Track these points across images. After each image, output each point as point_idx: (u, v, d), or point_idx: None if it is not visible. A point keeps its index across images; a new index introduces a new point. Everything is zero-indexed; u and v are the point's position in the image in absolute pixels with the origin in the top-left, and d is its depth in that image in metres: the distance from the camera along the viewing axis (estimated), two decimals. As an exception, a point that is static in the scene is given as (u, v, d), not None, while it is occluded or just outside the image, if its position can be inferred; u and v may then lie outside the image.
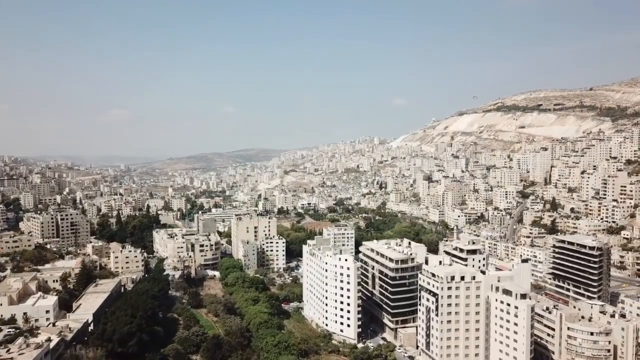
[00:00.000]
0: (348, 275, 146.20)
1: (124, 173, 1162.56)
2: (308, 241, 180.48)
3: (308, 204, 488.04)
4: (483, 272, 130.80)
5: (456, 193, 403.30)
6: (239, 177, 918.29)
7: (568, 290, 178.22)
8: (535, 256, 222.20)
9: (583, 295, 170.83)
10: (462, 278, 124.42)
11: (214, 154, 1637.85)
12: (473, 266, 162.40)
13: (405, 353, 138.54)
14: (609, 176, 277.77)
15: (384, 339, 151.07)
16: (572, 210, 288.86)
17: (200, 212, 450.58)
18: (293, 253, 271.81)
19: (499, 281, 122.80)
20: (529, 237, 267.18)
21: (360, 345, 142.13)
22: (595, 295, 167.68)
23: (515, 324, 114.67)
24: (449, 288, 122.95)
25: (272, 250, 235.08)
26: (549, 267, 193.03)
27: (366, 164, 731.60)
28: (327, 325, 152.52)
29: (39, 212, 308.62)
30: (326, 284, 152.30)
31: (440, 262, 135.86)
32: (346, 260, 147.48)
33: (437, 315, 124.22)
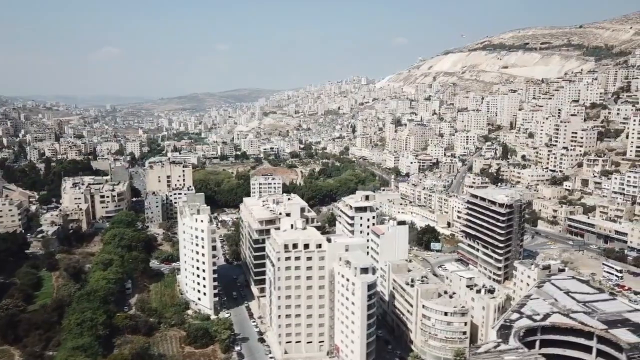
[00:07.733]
0: (202, 239, 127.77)
1: (109, 113, 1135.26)
2: (183, 196, 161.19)
3: (270, 148, 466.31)
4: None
5: (419, 138, 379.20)
6: (219, 118, 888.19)
7: (477, 250, 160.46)
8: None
9: (491, 256, 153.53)
10: (307, 246, 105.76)
11: (206, 94, 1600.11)
12: (361, 225, 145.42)
13: (257, 327, 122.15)
14: (561, 121, 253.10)
15: (248, 308, 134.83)
16: (523, 157, 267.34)
17: (157, 156, 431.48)
18: (218, 204, 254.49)
19: (346, 250, 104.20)
20: (471, 187, 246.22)
21: (213, 317, 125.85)
22: (501, 257, 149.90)
23: (353, 303, 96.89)
24: (287, 258, 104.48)
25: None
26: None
27: (347, 106, 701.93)
28: (187, 292, 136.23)
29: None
30: (184, 247, 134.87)
31: (292, 226, 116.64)
32: (201, 221, 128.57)
33: (275, 289, 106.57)
